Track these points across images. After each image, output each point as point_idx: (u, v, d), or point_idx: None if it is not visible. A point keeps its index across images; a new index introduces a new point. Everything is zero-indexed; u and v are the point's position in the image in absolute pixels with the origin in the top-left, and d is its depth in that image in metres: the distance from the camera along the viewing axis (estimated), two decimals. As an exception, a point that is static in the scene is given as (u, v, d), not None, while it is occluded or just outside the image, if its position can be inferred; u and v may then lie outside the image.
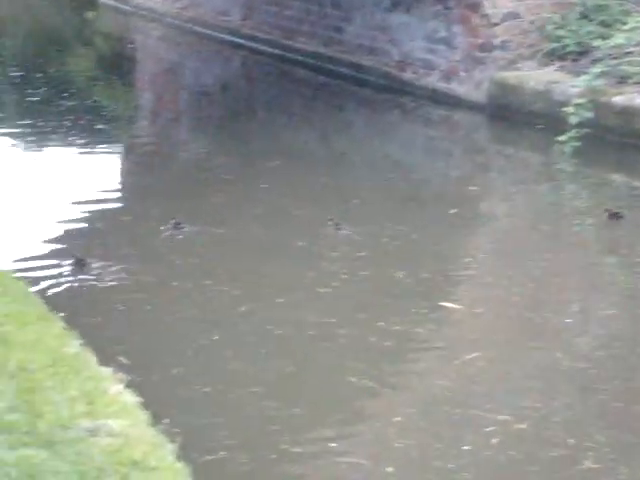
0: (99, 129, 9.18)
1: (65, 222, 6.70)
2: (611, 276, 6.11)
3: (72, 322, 4.31)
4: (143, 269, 5.98)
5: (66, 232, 6.56)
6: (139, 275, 5.90)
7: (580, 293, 5.87)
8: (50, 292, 5.48)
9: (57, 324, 4.08)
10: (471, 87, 9.02)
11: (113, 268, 5.89)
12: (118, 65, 12.11)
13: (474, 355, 4.90)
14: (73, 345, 3.85)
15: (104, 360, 3.96)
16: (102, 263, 5.92)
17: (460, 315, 5.46)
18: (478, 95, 8.94)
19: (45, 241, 6.36)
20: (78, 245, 6.26)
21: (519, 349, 5.06)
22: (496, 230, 6.88)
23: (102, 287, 5.67)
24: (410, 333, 5.22)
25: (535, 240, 6.53)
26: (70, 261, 5.87)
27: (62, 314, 4.40)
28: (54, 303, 4.72)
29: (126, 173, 8.24)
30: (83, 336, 4.06)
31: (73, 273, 5.79)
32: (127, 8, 13.48)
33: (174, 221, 6.48)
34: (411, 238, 6.51)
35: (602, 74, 7.52)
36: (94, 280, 5.75)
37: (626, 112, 7.61)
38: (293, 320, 5.35)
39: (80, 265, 5.82)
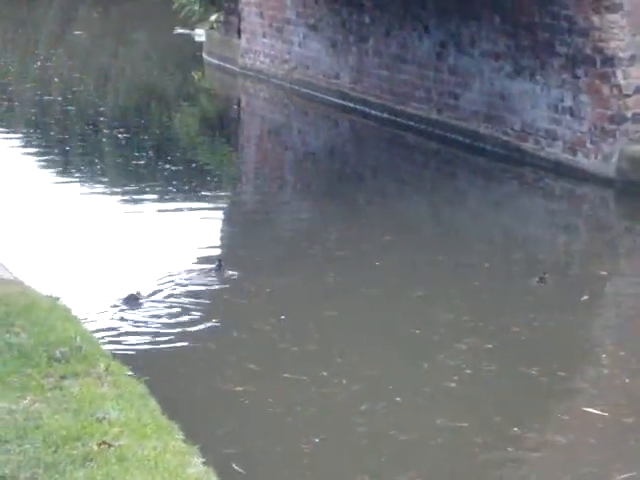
0: (204, 195, 8.85)
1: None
2: None
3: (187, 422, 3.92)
4: (251, 356, 5.57)
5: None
6: (248, 362, 5.49)
7: None
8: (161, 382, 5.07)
9: (176, 436, 3.68)
10: (599, 160, 8.50)
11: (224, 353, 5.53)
12: (224, 126, 11.85)
13: (629, 475, 4.36)
14: (195, 465, 3.43)
15: (219, 466, 3.55)
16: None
17: (607, 424, 4.92)
18: (606, 169, 8.41)
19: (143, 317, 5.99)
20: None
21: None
22: (632, 323, 6.30)
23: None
24: (552, 444, 4.69)
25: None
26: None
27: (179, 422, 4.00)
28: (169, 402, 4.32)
29: (227, 243, 7.84)
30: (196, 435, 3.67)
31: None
32: (234, 68, 13.25)
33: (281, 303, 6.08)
34: (543, 328, 5.99)
35: None
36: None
37: None
38: (416, 424, 4.88)
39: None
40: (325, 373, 5.42)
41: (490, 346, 5.73)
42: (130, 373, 4.42)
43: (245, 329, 5.96)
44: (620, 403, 5.14)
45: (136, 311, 6.11)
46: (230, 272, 6.76)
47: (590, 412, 4.99)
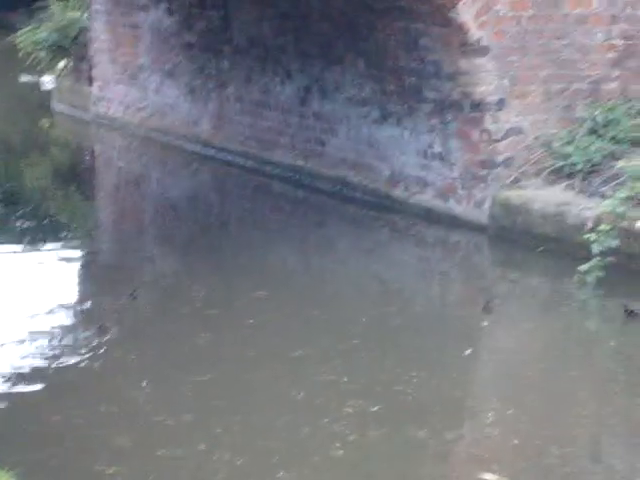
0: (59, 251, 8.38)
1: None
2: None
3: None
4: (122, 431, 5.17)
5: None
6: (120, 438, 5.09)
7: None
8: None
9: None
10: (470, 206, 8.36)
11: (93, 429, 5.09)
12: (77, 177, 11.36)
13: None
14: None
15: None
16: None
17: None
18: (478, 215, 8.28)
19: None
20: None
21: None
22: (516, 377, 6.10)
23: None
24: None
25: (569, 388, 5.78)
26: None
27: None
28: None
29: (85, 303, 7.38)
30: None
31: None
32: (86, 117, 12.80)
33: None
34: (427, 387, 5.74)
35: (627, 199, 6.87)
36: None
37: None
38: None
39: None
40: (203, 447, 5.06)
41: (375, 409, 5.47)
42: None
43: (115, 401, 5.56)
44: (517, 467, 4.92)
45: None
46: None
47: (487, 479, 4.74)
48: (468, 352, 6.26)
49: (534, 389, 5.82)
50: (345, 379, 5.83)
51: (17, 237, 8.65)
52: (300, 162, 9.84)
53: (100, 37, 12.57)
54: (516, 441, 5.15)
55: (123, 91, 12.24)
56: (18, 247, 8.42)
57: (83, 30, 13.19)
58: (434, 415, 5.43)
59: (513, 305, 7.25)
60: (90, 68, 12.85)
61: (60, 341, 6.40)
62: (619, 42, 8.50)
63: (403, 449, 5.09)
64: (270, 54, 10.11)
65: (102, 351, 6.23)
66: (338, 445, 5.07)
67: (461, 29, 8.12)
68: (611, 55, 8.48)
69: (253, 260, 8.00)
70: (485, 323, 6.82)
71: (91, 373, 5.94)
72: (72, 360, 6.10)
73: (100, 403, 5.50)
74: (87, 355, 6.18)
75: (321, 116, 9.63)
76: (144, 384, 5.71)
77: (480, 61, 8.17)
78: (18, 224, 9.02)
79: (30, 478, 4.27)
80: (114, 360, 6.10)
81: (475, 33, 8.13)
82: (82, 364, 6.04)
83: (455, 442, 5.22)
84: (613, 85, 8.48)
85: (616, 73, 8.48)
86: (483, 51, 8.16)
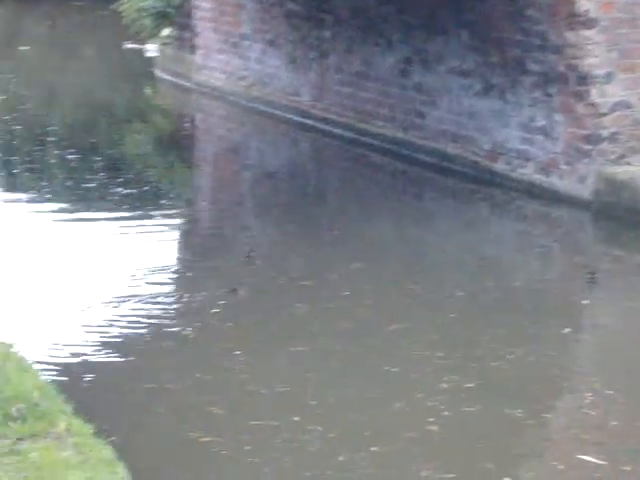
0: (159, 217, 8.45)
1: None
2: None
3: None
4: (217, 400, 5.19)
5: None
6: (214, 407, 5.11)
7: None
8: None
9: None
10: (573, 182, 8.18)
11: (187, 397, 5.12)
12: (178, 145, 11.42)
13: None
14: None
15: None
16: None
17: (605, 474, 4.57)
18: (582, 191, 8.10)
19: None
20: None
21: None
22: (617, 356, 5.96)
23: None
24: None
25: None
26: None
27: None
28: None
29: (183, 269, 7.44)
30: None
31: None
32: (188, 85, 12.84)
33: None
34: (525, 365, 5.65)
35: None
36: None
37: None
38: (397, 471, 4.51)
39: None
40: (297, 418, 5.05)
41: (471, 385, 5.40)
42: (93, 432, 4.01)
43: (210, 369, 5.59)
44: (616, 449, 4.81)
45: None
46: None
47: (585, 460, 4.65)
48: (567, 330, 6.15)
49: (635, 370, 5.69)
50: (440, 354, 5.77)
51: (118, 204, 8.74)
52: (400, 134, 9.73)
53: (203, 5, 12.58)
54: (615, 422, 5.04)
55: (225, 60, 12.24)
56: (119, 214, 8.50)
57: (187, -2, 13.23)
58: (530, 394, 5.34)
59: (616, 282, 7.10)
60: (193, 36, 12.89)
61: (157, 308, 6.45)
62: None
63: (497, 427, 5.02)
64: (372, 24, 10.00)
65: (199, 319, 6.27)
66: (432, 420, 5.03)
67: (569, 0, 7.93)
68: None
69: (350, 232, 7.95)
70: (587, 301, 6.69)
71: (187, 341, 5.98)
72: (168, 328, 6.16)
73: (195, 371, 5.53)
74: (183, 322, 6.23)
75: (422, 88, 9.51)
76: (241, 354, 5.73)
77: (588, 33, 7.96)
78: (119, 190, 9.12)
79: (126, 446, 4.30)
80: (211, 328, 6.13)
81: (583, 4, 7.92)
82: (178, 331, 6.09)
83: (550, 422, 5.13)
84: None
85: None
86: (591, 23, 7.94)
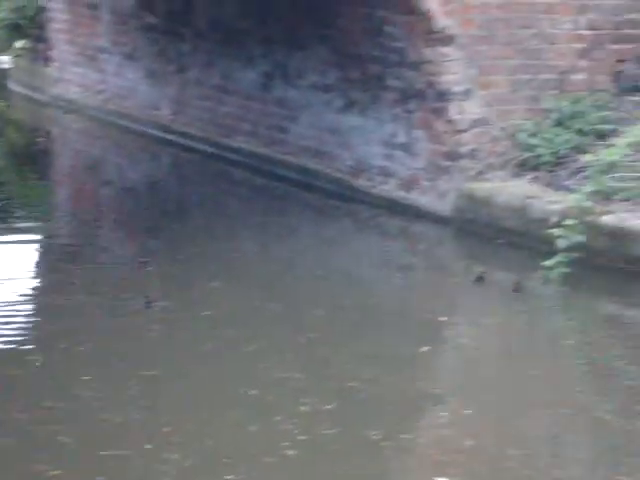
0: (16, 231, 8.19)
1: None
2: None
3: None
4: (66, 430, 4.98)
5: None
6: (63, 437, 4.89)
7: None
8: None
9: None
10: (434, 198, 8.19)
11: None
12: (32, 160, 11.11)
13: None
14: None
15: None
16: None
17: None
18: (442, 207, 8.12)
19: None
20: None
21: None
22: (474, 375, 5.93)
23: None
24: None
25: (525, 397, 5.61)
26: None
27: None
28: None
29: (42, 287, 7.19)
30: None
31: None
32: (43, 98, 12.55)
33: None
34: (383, 385, 5.57)
35: (594, 193, 6.72)
36: None
37: (616, 234, 6.81)
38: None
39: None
40: (151, 446, 4.87)
41: (329, 407, 5.30)
42: None
43: (59, 396, 5.36)
44: (473, 470, 4.76)
45: None
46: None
47: (443, 483, 4.59)
48: (425, 349, 6.10)
49: (492, 389, 5.67)
50: (299, 375, 5.67)
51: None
52: (262, 149, 9.65)
53: (58, 17, 12.32)
54: (471, 442, 4.99)
55: (82, 73, 12.01)
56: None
57: (41, 10, 12.96)
58: (387, 414, 5.26)
59: (474, 300, 7.10)
60: (48, 49, 12.61)
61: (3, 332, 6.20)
62: (587, 32, 8.36)
63: (354, 450, 4.93)
64: (232, 38, 9.90)
65: (47, 343, 6.04)
66: (288, 444, 4.91)
67: (426, 17, 7.95)
68: (578, 45, 8.33)
69: (210, 249, 7.81)
70: (445, 318, 6.67)
71: (35, 367, 5.74)
72: (14, 353, 5.91)
73: (44, 399, 5.31)
74: (32, 347, 5.99)
75: (283, 103, 9.44)
76: (87, 379, 5.52)
77: (446, 50, 8.00)
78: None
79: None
80: (60, 352, 5.90)
81: (441, 21, 7.96)
82: (25, 357, 5.85)
83: (408, 443, 5.05)
84: (580, 76, 8.34)
85: (583, 64, 8.34)
86: (449, 40, 7.98)
